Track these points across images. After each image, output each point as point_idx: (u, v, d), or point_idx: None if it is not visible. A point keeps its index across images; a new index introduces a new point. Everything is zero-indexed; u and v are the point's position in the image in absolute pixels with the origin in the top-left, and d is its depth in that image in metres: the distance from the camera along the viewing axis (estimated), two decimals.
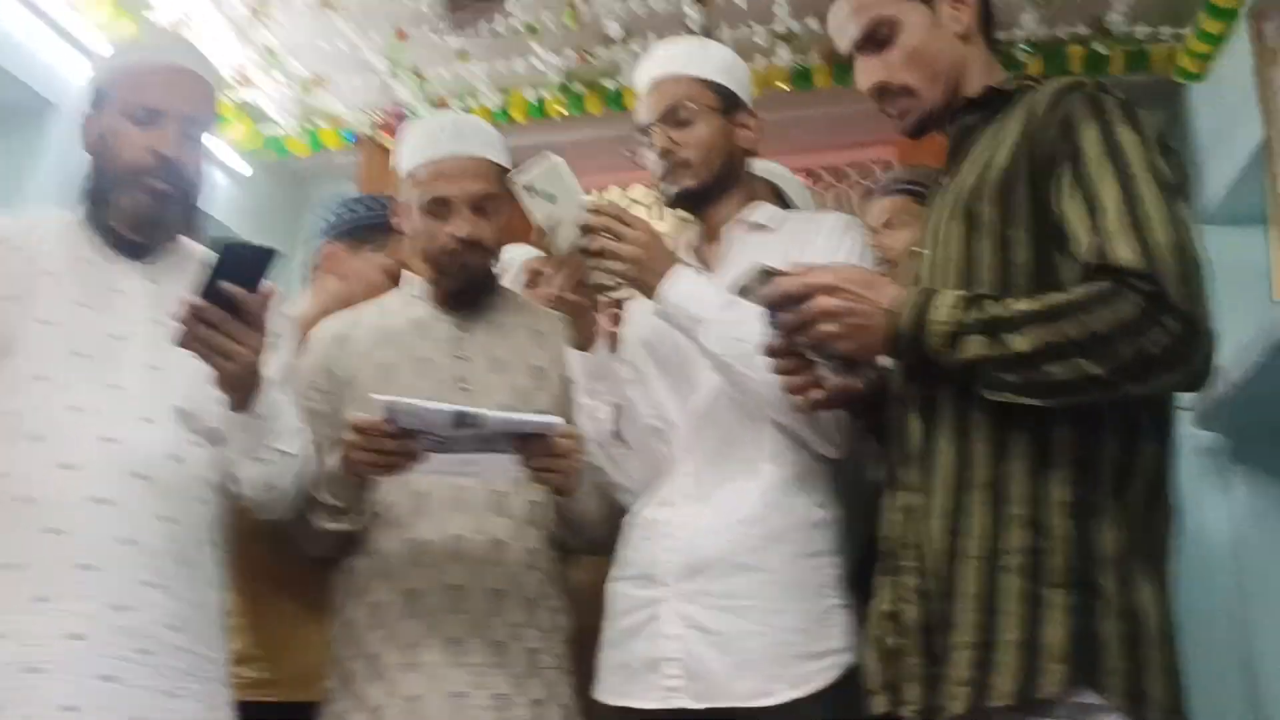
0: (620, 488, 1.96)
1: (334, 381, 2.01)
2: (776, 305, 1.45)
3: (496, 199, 2.01)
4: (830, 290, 1.41)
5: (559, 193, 1.76)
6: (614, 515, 1.97)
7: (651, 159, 1.95)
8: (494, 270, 2.11)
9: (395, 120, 4.11)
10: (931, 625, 1.41)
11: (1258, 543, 3.20)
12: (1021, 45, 3.68)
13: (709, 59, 1.97)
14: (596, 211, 1.75)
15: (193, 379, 1.68)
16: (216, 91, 1.88)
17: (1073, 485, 1.36)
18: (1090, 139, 1.37)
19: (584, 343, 1.89)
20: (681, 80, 1.93)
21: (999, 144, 1.48)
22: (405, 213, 2.07)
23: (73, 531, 1.58)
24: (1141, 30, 3.57)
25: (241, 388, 1.65)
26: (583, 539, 2.01)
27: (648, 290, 1.77)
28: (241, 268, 1.56)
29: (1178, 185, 1.36)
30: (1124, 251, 1.28)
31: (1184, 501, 3.72)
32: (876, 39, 1.61)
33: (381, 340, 2.03)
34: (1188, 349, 1.27)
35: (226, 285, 1.54)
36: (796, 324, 1.44)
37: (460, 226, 1.96)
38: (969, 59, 1.61)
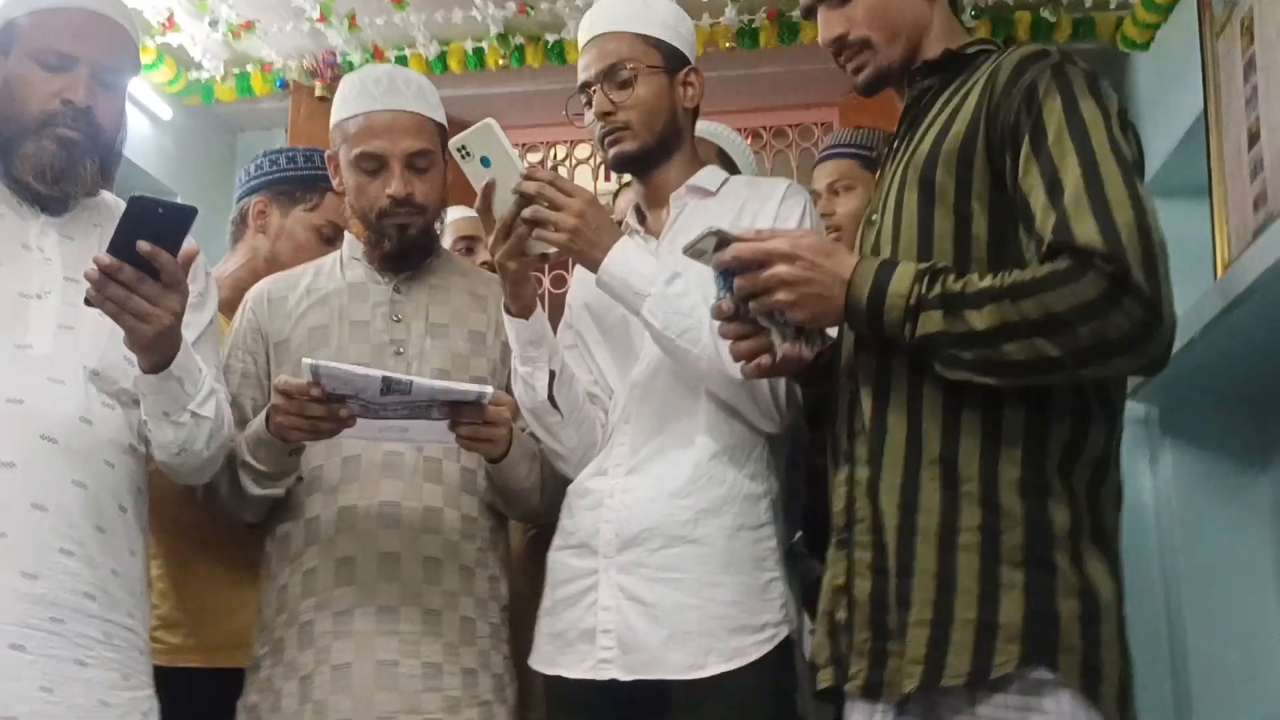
0: (556, 455, 1.91)
1: (265, 343, 1.96)
2: (730, 270, 1.43)
3: (432, 156, 1.93)
4: (787, 258, 1.39)
5: (494, 156, 1.70)
6: (551, 484, 1.93)
7: (591, 120, 1.88)
8: (435, 231, 2.03)
9: (327, 68, 4.00)
10: (885, 601, 1.39)
11: (1183, 513, 3.25)
12: (969, 10, 3.67)
13: (653, 14, 1.90)
14: (530, 178, 1.68)
15: (108, 338, 1.61)
16: (135, 38, 1.78)
17: (1023, 465, 1.35)
18: (1053, 112, 1.34)
19: (522, 310, 1.81)
20: (623, 37, 1.87)
21: (957, 111, 1.45)
22: (337, 167, 1.99)
23: None
24: None
25: (155, 349, 1.58)
26: (518, 508, 1.97)
27: (587, 262, 1.73)
28: (158, 225, 1.48)
29: (1137, 163, 1.34)
30: (1086, 231, 1.25)
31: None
32: None
33: (316, 302, 1.97)
34: (1147, 333, 1.25)
35: (143, 244, 1.47)
36: (750, 290, 1.42)
37: (395, 185, 1.88)
38: (930, 20, 1.58)
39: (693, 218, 1.84)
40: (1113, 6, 3.59)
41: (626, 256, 1.71)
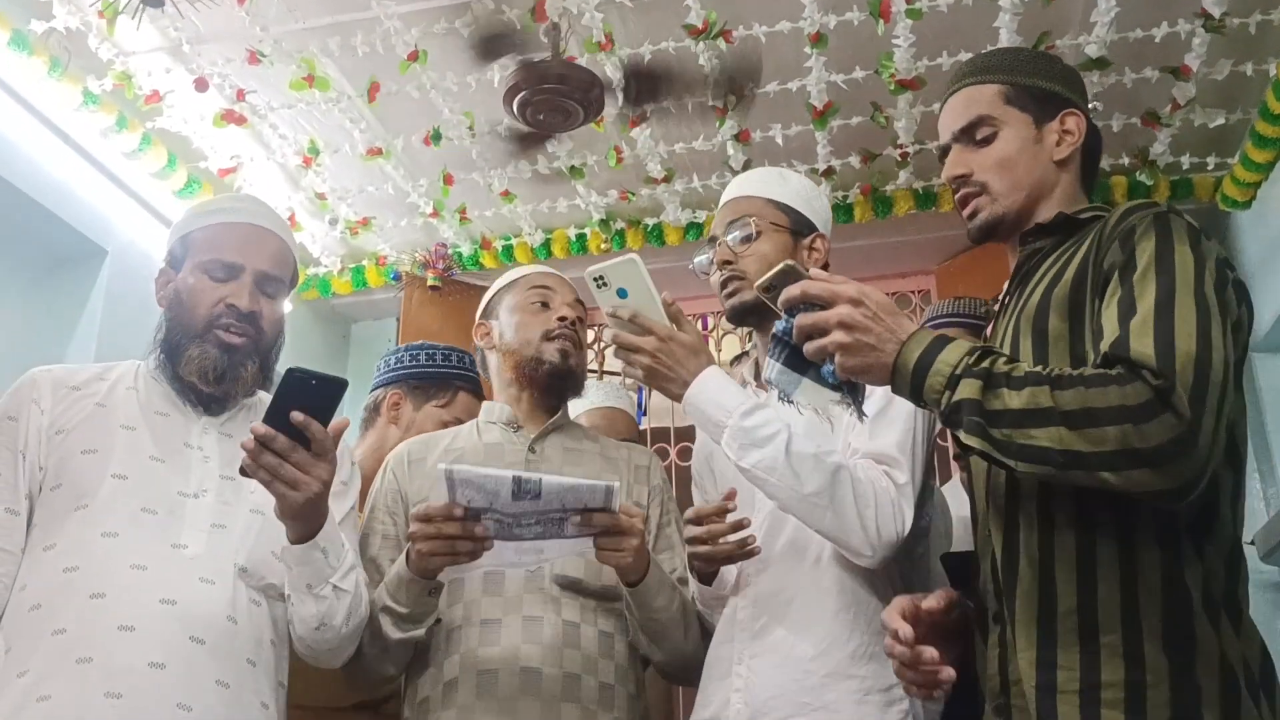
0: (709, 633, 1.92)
1: (404, 504, 2.00)
2: (797, 305, 1.42)
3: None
4: (853, 302, 1.39)
5: (633, 290, 1.70)
6: (698, 643, 1.93)
7: (714, 274, 1.94)
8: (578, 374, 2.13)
9: (439, 260, 4.17)
10: None
11: None
12: None
13: (786, 185, 1.99)
14: (613, 315, 1.70)
15: (257, 534, 1.68)
16: (294, 251, 1.92)
17: (1163, 614, 1.30)
18: (1145, 251, 1.35)
19: (704, 576, 1.88)
20: (755, 200, 1.96)
21: (1068, 264, 1.47)
22: (490, 329, 2.14)
23: (131, 696, 1.55)
24: (1187, 160, 3.59)
25: (303, 517, 1.63)
26: (664, 646, 1.93)
27: (669, 393, 1.72)
28: (311, 396, 1.55)
29: (1225, 314, 1.31)
30: (1143, 347, 1.25)
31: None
32: (975, 135, 1.63)
33: (454, 461, 1.98)
34: (1180, 452, 1.20)
35: (295, 414, 1.54)
36: (810, 327, 1.40)
37: (563, 310, 2.10)
38: (1056, 184, 1.60)
39: None
40: (1211, 168, 3.61)
41: (706, 386, 1.69)
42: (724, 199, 2.01)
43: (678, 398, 1.71)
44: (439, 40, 3.11)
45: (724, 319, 2.01)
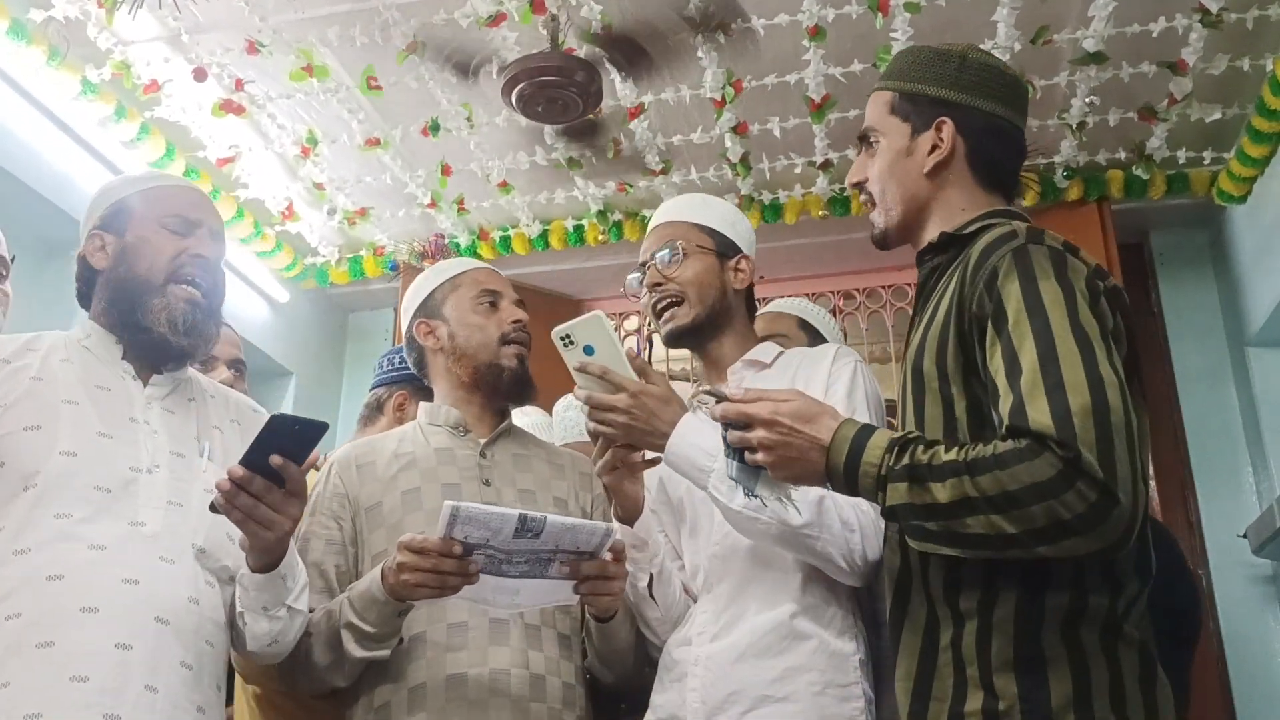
0: (649, 639, 1.95)
1: (352, 508, 1.97)
2: (725, 424, 1.49)
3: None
4: (765, 424, 1.43)
5: (599, 347, 1.74)
6: (640, 650, 1.96)
7: (645, 296, 2.01)
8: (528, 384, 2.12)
9: (437, 250, 4.17)
10: None
11: None
12: (1062, 170, 3.72)
13: (710, 210, 2.07)
14: (583, 370, 1.74)
15: (211, 516, 1.64)
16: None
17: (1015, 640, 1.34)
18: (1011, 295, 1.35)
19: (626, 516, 1.90)
20: (679, 225, 2.04)
21: (941, 298, 1.48)
22: (435, 328, 2.10)
23: (97, 678, 1.52)
24: (1183, 155, 3.61)
25: (270, 553, 1.64)
26: (615, 670, 1.96)
27: (650, 447, 1.77)
28: (291, 439, 1.55)
29: (1105, 332, 1.33)
30: (1038, 415, 1.25)
31: (1244, 628, 3.62)
32: (869, 143, 1.64)
33: (405, 466, 2.00)
34: (1101, 516, 1.22)
35: (275, 458, 1.54)
36: (738, 445, 1.48)
37: (513, 312, 2.09)
38: (932, 198, 1.58)
39: (751, 389, 1.88)
40: (1207, 162, 3.62)
41: (686, 433, 1.72)
42: (651, 225, 2.09)
43: (659, 449, 1.74)
44: (437, 31, 3.11)
45: (662, 340, 2.04)
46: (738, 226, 2.07)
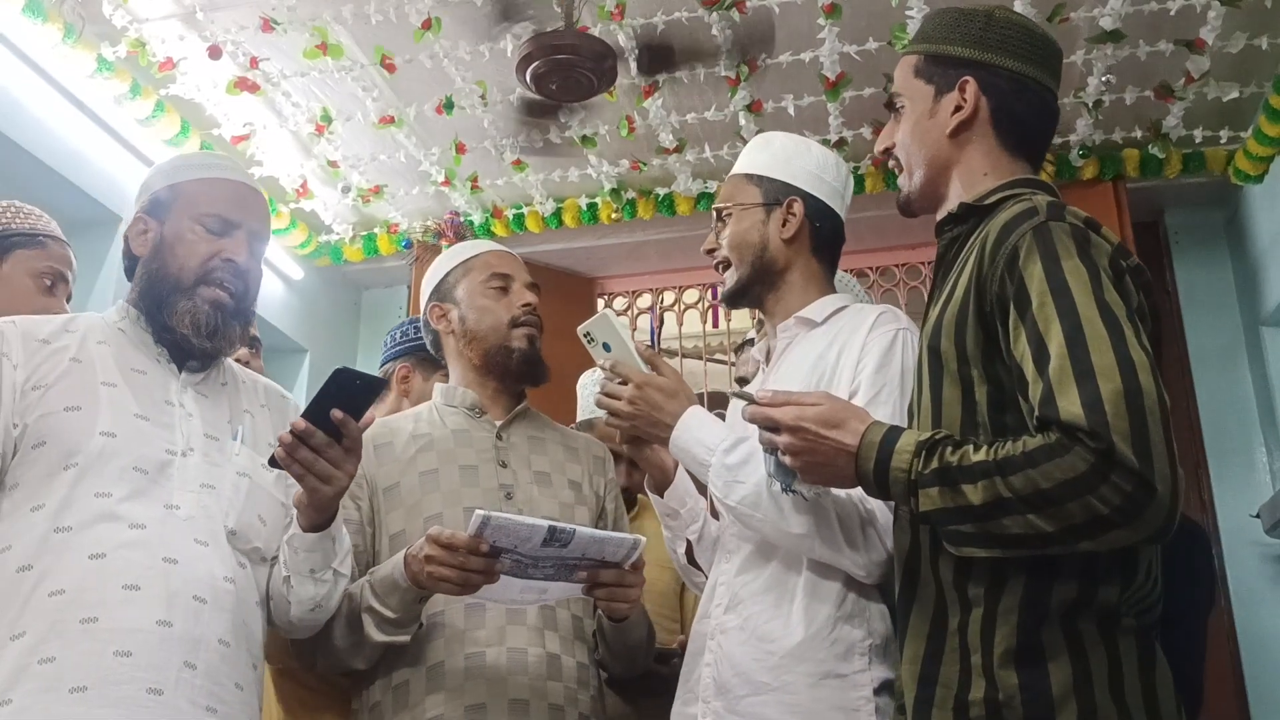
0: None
1: (370, 488, 1.97)
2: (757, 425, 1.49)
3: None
4: (791, 430, 1.41)
5: (612, 343, 1.80)
6: (651, 650, 1.99)
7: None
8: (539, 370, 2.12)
9: (450, 228, 4.18)
10: None
11: None
12: (1077, 149, 3.70)
13: (763, 151, 1.94)
14: (602, 368, 1.80)
15: (245, 498, 1.68)
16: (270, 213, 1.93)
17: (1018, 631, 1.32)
18: (1033, 277, 1.31)
19: (656, 486, 1.91)
20: (733, 180, 1.94)
21: (961, 274, 1.44)
22: (447, 311, 2.10)
23: (140, 654, 1.55)
24: (1199, 133, 3.59)
25: (326, 509, 1.66)
26: (624, 664, 1.98)
27: (656, 439, 1.79)
28: (351, 395, 1.57)
29: (1130, 314, 1.29)
30: (1070, 405, 1.21)
31: (1257, 607, 3.63)
32: (896, 108, 1.61)
33: (423, 447, 2.00)
34: (1140, 506, 1.19)
35: (336, 412, 1.56)
36: (768, 448, 1.48)
37: (524, 295, 2.08)
38: (957, 162, 1.55)
39: (797, 349, 1.85)
40: (1223, 141, 3.60)
41: (689, 425, 1.73)
42: None
43: (663, 441, 1.75)
44: (452, 9, 3.11)
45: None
46: (794, 162, 1.90)
